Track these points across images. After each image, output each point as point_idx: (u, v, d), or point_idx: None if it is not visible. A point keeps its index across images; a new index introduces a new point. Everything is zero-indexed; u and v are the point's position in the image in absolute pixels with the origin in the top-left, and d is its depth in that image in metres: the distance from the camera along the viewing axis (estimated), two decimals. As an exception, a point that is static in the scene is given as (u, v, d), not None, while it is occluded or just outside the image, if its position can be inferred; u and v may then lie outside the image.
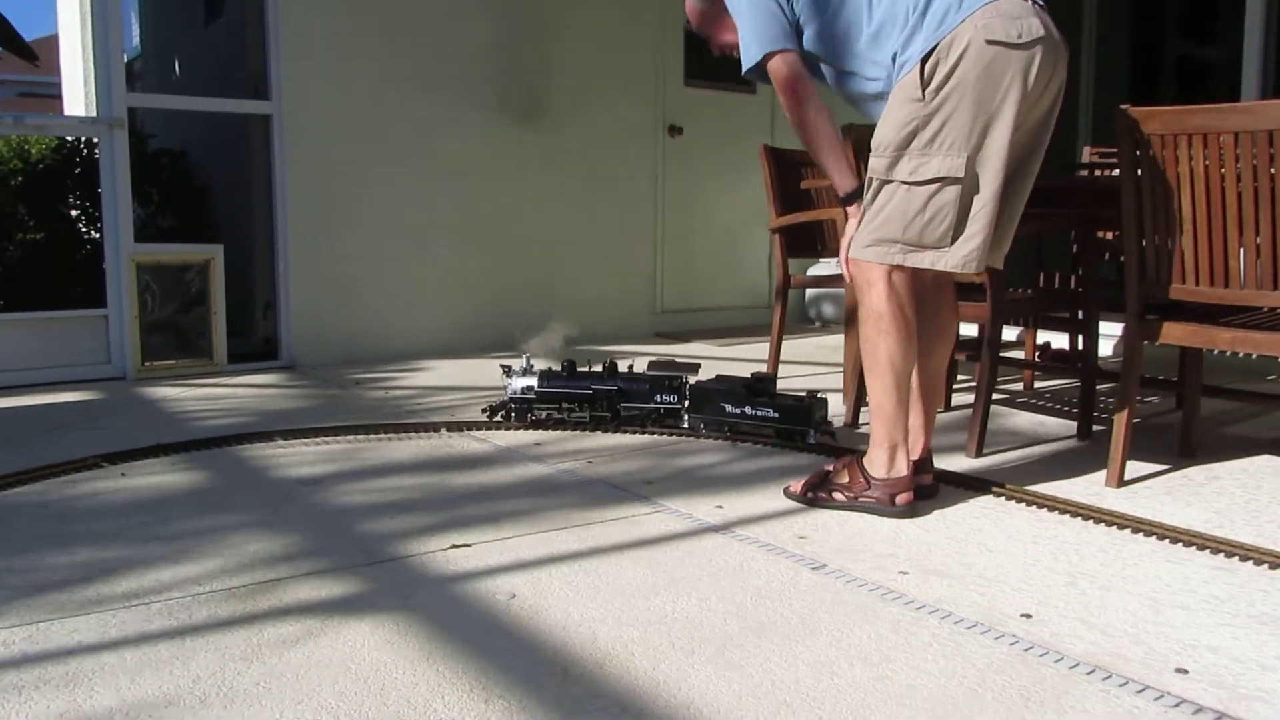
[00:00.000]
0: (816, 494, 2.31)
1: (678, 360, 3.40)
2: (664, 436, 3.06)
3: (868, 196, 2.23)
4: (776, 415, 2.98)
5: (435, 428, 3.16)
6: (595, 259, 5.48)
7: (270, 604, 1.75)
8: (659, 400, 3.17)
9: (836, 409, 3.39)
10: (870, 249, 2.20)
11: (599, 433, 3.10)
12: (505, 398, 3.23)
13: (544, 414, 3.19)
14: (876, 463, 2.27)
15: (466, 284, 5.06)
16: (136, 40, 7.43)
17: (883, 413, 2.25)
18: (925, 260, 2.17)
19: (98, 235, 5.88)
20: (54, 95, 10.40)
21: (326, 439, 3.03)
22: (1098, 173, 4.09)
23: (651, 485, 2.52)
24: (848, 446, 2.84)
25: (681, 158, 5.76)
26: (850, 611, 1.73)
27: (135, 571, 1.91)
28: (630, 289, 5.67)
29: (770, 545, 2.07)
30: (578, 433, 3.11)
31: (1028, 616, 1.72)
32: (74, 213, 6.14)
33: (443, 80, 4.92)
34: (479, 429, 3.15)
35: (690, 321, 5.79)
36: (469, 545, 2.05)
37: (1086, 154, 4.41)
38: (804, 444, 2.92)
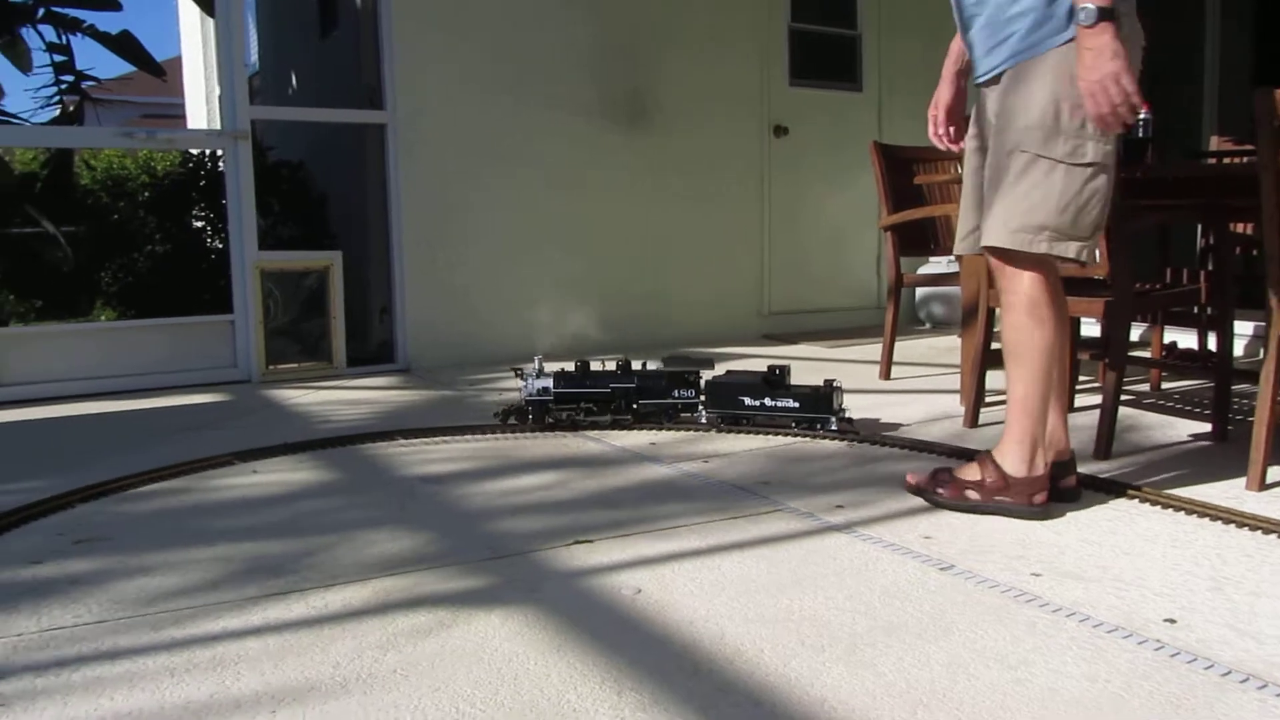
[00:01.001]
0: (945, 493, 2.25)
1: (692, 355, 3.46)
2: (781, 439, 3.03)
3: (1010, 172, 2.10)
4: (797, 405, 3.07)
5: (551, 429, 3.19)
6: (702, 262, 5.48)
7: (402, 595, 1.79)
8: (676, 395, 3.18)
9: (951, 409, 3.32)
10: (1017, 234, 2.09)
11: (715, 435, 3.09)
12: (520, 400, 3.21)
13: (563, 415, 3.18)
14: (1016, 459, 2.18)
15: (574, 289, 5.10)
16: (255, 56, 7.72)
17: (1029, 406, 2.15)
18: (1070, 250, 2.08)
19: (221, 245, 6.13)
20: (177, 115, 10.84)
21: (445, 439, 3.09)
22: (1226, 161, 3.93)
23: (770, 486, 2.50)
24: (868, 435, 2.79)
25: (787, 158, 5.72)
26: (983, 612, 1.69)
27: (272, 563, 1.97)
28: (737, 291, 5.65)
29: (894, 545, 2.03)
30: (694, 434, 3.10)
31: (1171, 621, 1.65)
32: (199, 224, 6.39)
33: (550, 88, 4.98)
34: (595, 430, 3.17)
35: (798, 323, 5.74)
36: (592, 541, 2.06)
37: (1214, 143, 4.23)
38: (826, 431, 3.02)
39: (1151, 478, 2.48)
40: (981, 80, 2.22)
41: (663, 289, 5.36)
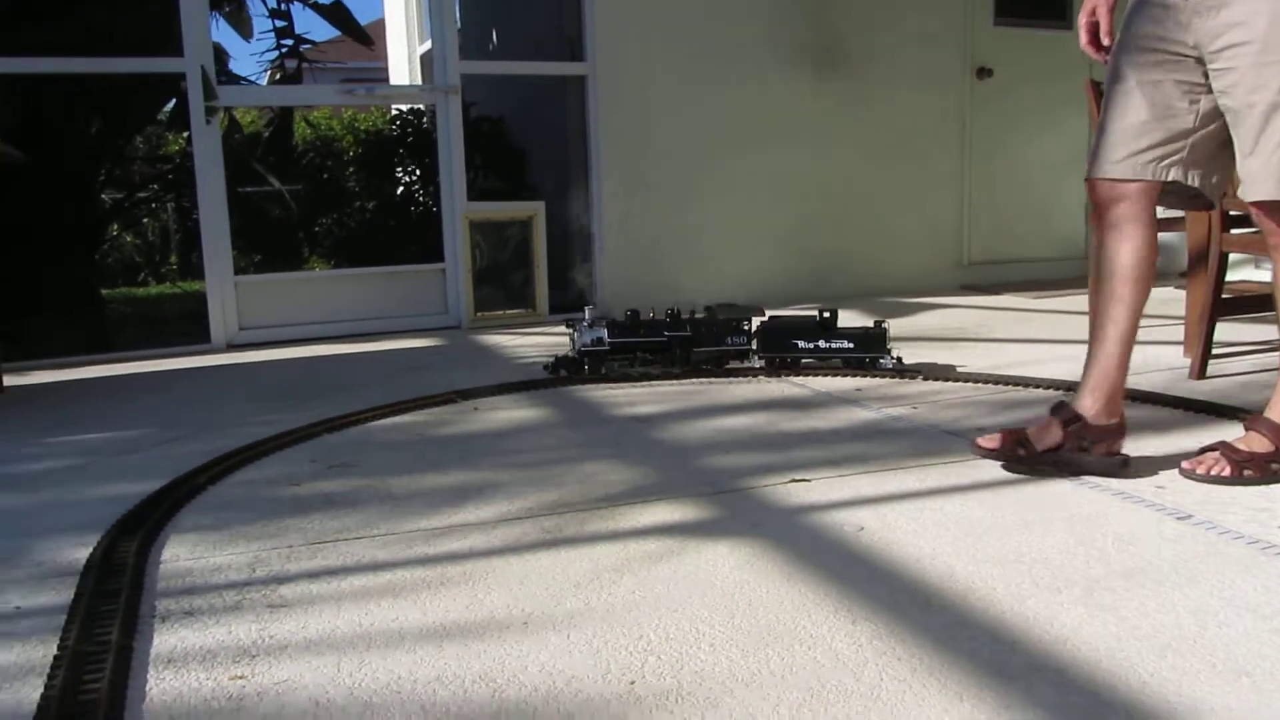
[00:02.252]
0: (1229, 472, 2.00)
1: (738, 304, 3.42)
2: (992, 386, 2.96)
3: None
4: (852, 345, 3.14)
5: (754, 373, 3.22)
6: (897, 210, 5.36)
7: (630, 524, 1.86)
8: (730, 342, 3.19)
9: (1170, 360, 3.16)
10: None
11: (921, 382, 3.05)
12: (573, 351, 3.19)
13: (615, 364, 3.17)
14: None
15: (766, 238, 5.10)
16: (458, 13, 7.95)
17: None
18: None
19: (425, 199, 6.41)
20: (380, 79, 11.31)
21: (651, 382, 3.16)
22: None
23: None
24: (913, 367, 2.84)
25: (990, 101, 5.50)
26: (1228, 563, 1.62)
27: (503, 491, 2.08)
28: (935, 241, 5.51)
29: (1125, 493, 1.97)
30: (899, 380, 3.07)
31: None
32: (407, 178, 6.69)
33: (744, 35, 4.95)
34: (799, 375, 3.18)
35: (999, 274, 5.55)
36: (809, 480, 2.08)
37: None
38: (878, 368, 3.11)
39: None
40: None
41: (857, 240, 5.28)
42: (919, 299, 5.06)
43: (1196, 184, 2.03)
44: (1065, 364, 3.10)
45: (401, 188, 6.82)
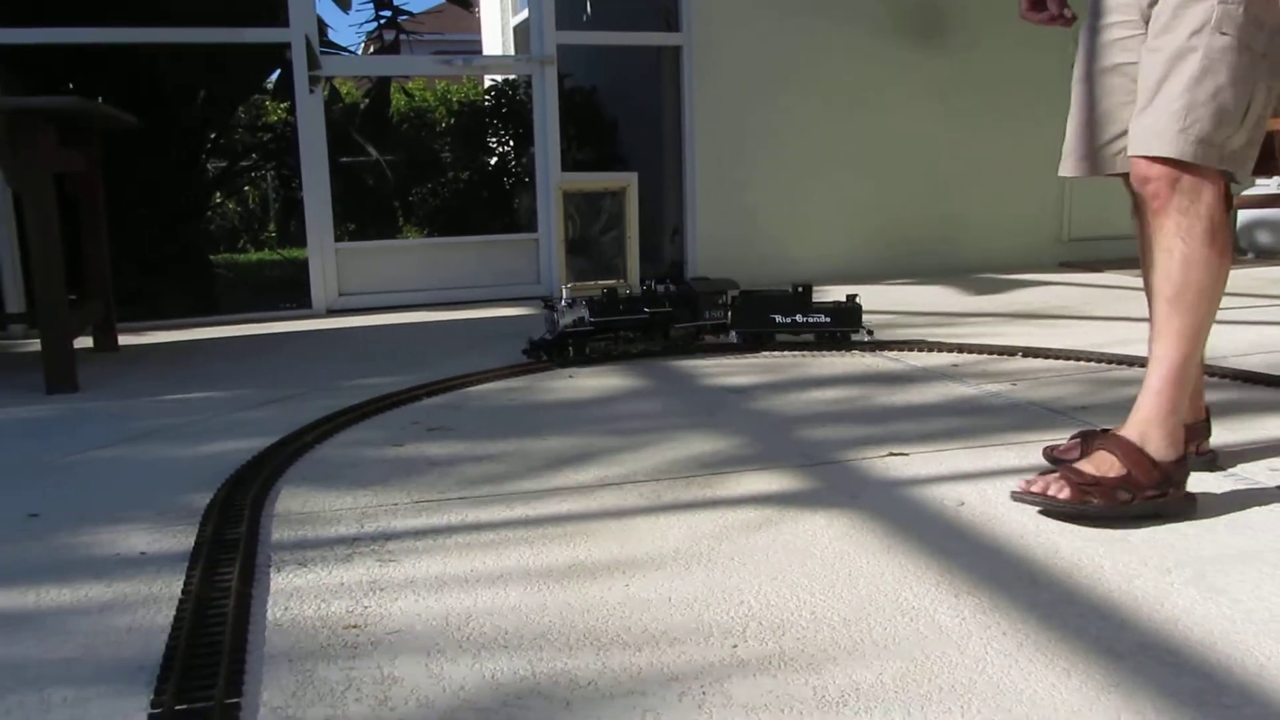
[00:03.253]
0: (1066, 496, 1.70)
1: (709, 277, 3.36)
2: (1092, 364, 2.90)
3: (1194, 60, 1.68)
4: (829, 319, 3.12)
5: (846, 347, 3.19)
6: (996, 184, 5.24)
7: (726, 493, 1.87)
8: (707, 316, 3.14)
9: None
10: (1199, 144, 1.67)
11: (1020, 358, 2.99)
12: (553, 333, 3.02)
13: (600, 345, 3.06)
14: (1164, 442, 1.73)
15: (861, 211, 5.03)
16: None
17: (1189, 369, 1.75)
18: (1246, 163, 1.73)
19: (517, 169, 6.46)
20: (474, 51, 11.40)
21: (744, 354, 3.16)
22: None
23: (1088, 411, 2.40)
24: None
25: (1097, 73, 5.32)
26: (1350, 549, 1.57)
27: (600, 457, 2.11)
28: (1033, 216, 5.37)
29: (1237, 475, 1.91)
30: (995, 356, 3.02)
31: None
32: (500, 148, 6.76)
33: (839, 6, 4.87)
34: (892, 349, 3.15)
35: (1100, 250, 5.39)
36: (906, 454, 2.07)
37: None
38: (851, 343, 3.11)
39: None
40: None
41: (954, 212, 5.18)
42: (1016, 275, 4.96)
43: None
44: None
45: (495, 158, 6.89)
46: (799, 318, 3.12)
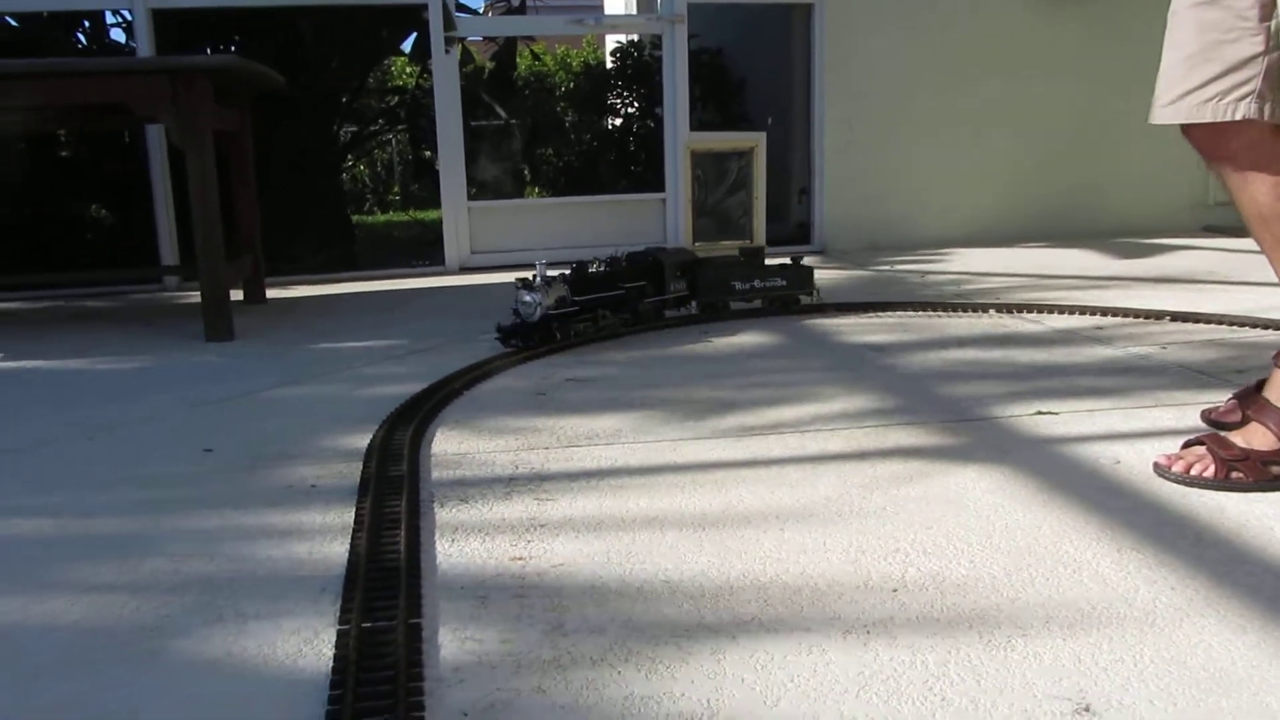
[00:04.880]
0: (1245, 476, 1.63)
1: (665, 247, 3.31)
2: (1245, 329, 2.78)
3: None
4: (785, 283, 3.11)
5: (984, 308, 3.14)
6: (1136, 145, 5.03)
7: (874, 446, 1.87)
8: (673, 289, 3.00)
9: None
10: None
11: (1166, 321, 2.90)
12: (532, 317, 2.66)
13: (580, 327, 2.78)
14: None
15: (997, 173, 4.90)
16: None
17: None
18: None
19: (641, 130, 6.47)
20: (594, 7, 11.42)
21: (879, 314, 3.13)
22: None
23: (1245, 375, 2.31)
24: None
25: (1252, 28, 5.05)
26: None
27: (745, 409, 2.13)
28: (1177, 180, 5.15)
29: None
30: (1141, 320, 2.93)
31: None
32: (625, 109, 6.78)
33: (983, -43, 4.73)
34: (1031, 311, 3.08)
35: (1249, 215, 5.13)
36: (1056, 413, 2.03)
37: None
38: (799, 306, 3.13)
39: None
40: None
41: (1094, 176, 5.00)
42: (1158, 239, 4.78)
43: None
44: (1336, 309, 2.88)
45: (620, 119, 6.92)
46: (757, 283, 3.08)
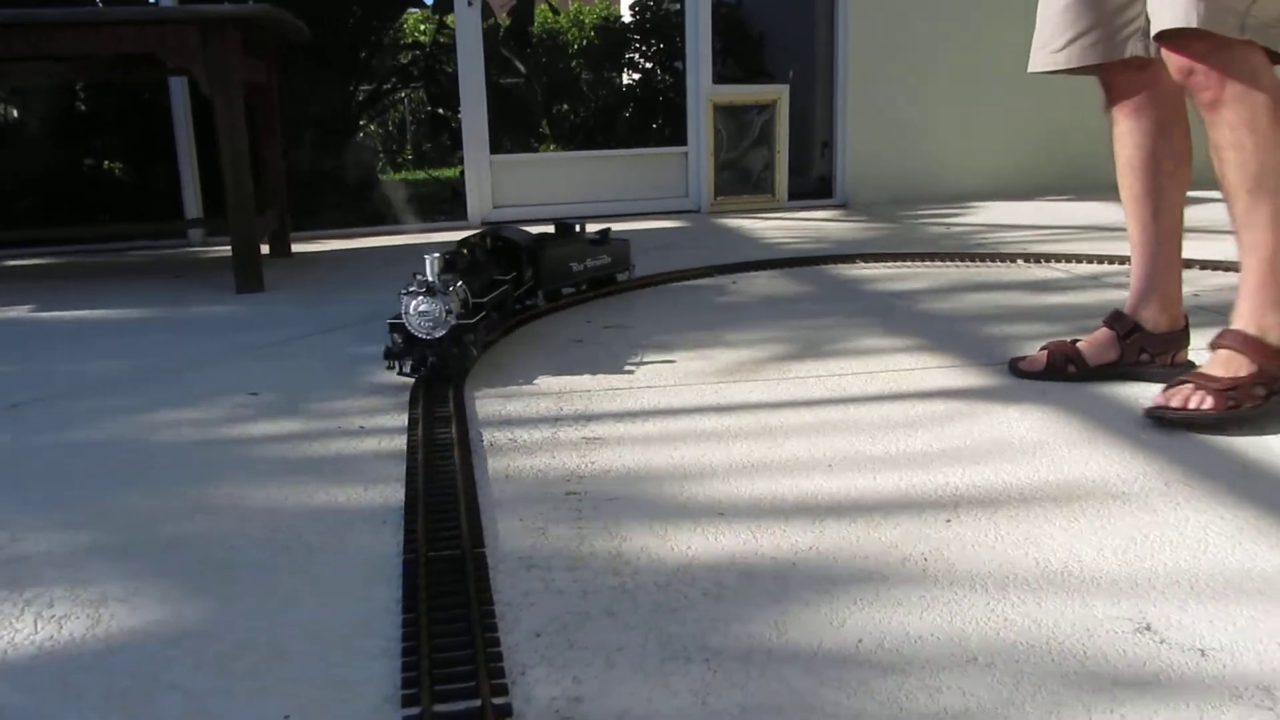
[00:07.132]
0: (1211, 406, 1.62)
1: (505, 226, 2.54)
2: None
3: None
4: (610, 261, 2.80)
5: (1011, 258, 3.14)
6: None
7: (913, 387, 1.89)
8: (527, 277, 2.47)
9: None
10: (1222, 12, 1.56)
11: (1194, 269, 2.90)
12: (436, 332, 1.94)
13: (480, 345, 2.08)
14: None
15: (1019, 126, 4.87)
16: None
17: None
18: None
19: (660, 84, 6.43)
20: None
21: (905, 263, 3.13)
22: None
23: None
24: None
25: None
26: None
27: (778, 352, 2.14)
28: (1195, 131, 5.10)
29: None
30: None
31: None
32: (645, 63, 6.74)
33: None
34: (1057, 261, 3.08)
35: None
36: (1093, 357, 2.04)
37: None
38: (619, 284, 2.82)
39: None
40: None
41: (1110, 130, 4.96)
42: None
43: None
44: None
45: (640, 74, 6.88)
46: (590, 262, 2.70)
